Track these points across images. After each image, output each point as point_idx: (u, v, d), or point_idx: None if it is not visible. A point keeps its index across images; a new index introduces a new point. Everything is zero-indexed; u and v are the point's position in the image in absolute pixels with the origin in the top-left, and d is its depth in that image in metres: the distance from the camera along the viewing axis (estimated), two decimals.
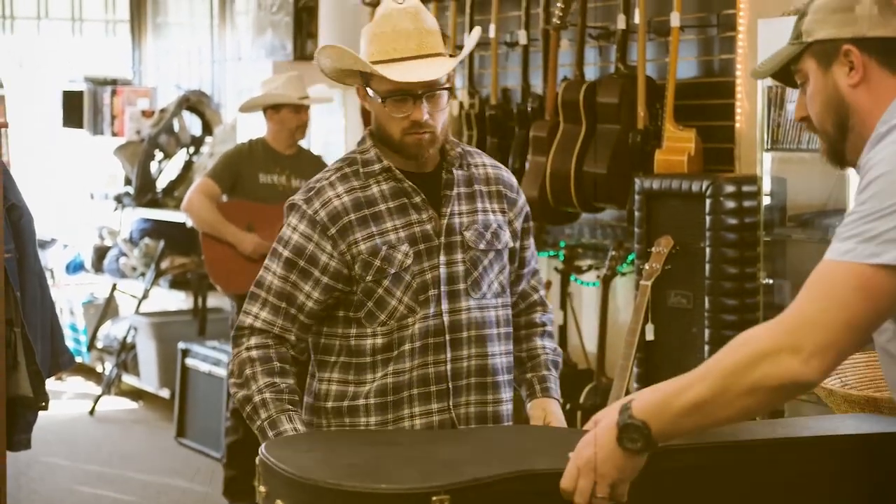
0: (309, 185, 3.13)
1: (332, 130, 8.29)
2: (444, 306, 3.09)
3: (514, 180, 3.28)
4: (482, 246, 3.13)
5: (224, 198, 6.44)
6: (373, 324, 3.08)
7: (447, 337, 3.10)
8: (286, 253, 3.08)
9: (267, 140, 6.47)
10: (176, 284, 8.82)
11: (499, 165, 3.27)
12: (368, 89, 3.05)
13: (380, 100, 3.02)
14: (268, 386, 3.04)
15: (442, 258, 3.09)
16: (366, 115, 7.37)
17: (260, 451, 2.66)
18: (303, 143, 6.72)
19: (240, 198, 6.42)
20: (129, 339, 8.97)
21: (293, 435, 2.99)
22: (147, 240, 9.16)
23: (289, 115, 6.41)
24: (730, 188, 5.01)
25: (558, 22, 5.86)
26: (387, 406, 3.09)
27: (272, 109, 6.41)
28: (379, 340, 3.08)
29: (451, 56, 3.09)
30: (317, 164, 6.55)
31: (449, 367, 3.10)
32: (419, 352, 3.08)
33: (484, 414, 3.16)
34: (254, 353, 3.07)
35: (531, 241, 3.31)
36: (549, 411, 3.22)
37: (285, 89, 6.43)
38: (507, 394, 3.21)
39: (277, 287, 3.08)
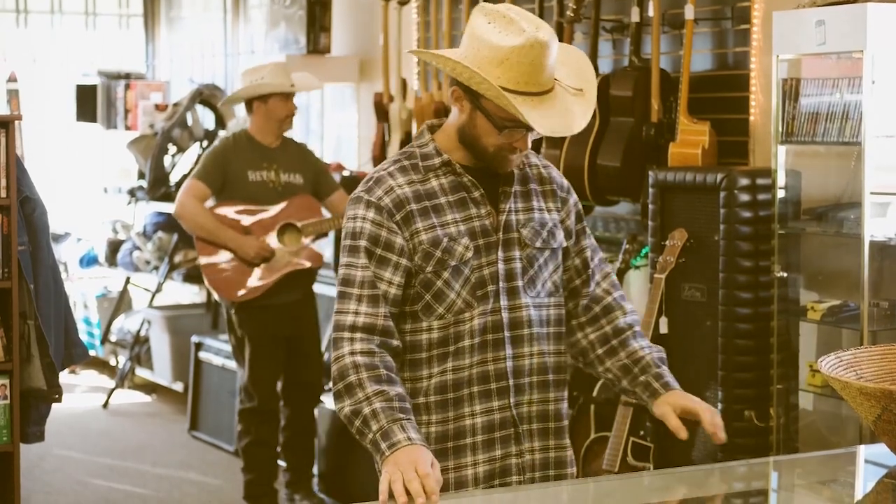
0: (368, 177, 3.12)
1: (345, 125, 8.30)
2: (504, 303, 3.08)
3: (564, 180, 3.27)
4: (538, 244, 3.13)
5: (211, 200, 6.20)
6: (429, 317, 3.06)
7: (506, 334, 3.08)
8: (363, 243, 3.04)
9: (251, 133, 6.25)
10: (189, 278, 8.81)
11: (549, 165, 3.27)
12: (478, 103, 3.01)
13: (492, 122, 3.00)
14: (377, 394, 2.93)
15: (500, 254, 3.09)
16: (380, 111, 7.36)
17: None
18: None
19: (230, 198, 6.17)
20: (142, 333, 8.98)
21: None
22: (160, 233, 9.17)
23: (278, 104, 6.19)
24: (744, 181, 4.99)
25: (572, 15, 5.84)
26: (447, 403, 3.07)
27: (259, 101, 6.19)
28: (435, 335, 3.06)
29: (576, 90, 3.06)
30: (303, 153, 6.40)
31: (510, 364, 3.09)
32: (478, 348, 3.07)
33: (546, 412, 3.16)
34: (359, 359, 2.97)
35: (589, 242, 3.27)
36: (677, 403, 3.10)
37: (273, 78, 6.21)
38: (562, 392, 3.21)
39: (369, 278, 3.02)
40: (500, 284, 3.08)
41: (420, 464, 2.81)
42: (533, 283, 3.12)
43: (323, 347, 6.78)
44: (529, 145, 3.06)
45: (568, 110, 3.01)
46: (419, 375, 3.08)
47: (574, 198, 3.26)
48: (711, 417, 3.06)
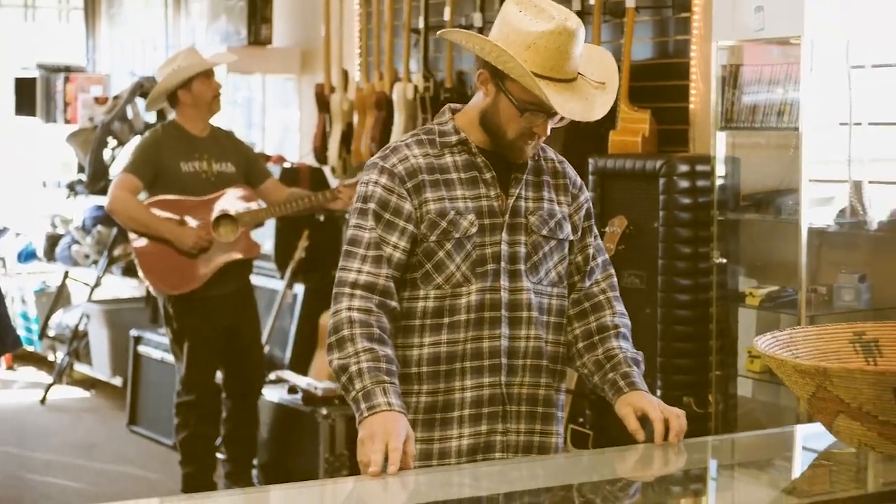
0: (385, 147, 3.20)
1: (287, 117, 8.26)
2: (505, 283, 3.12)
3: (578, 178, 3.32)
4: (545, 232, 3.17)
5: (143, 194, 6.09)
6: (427, 286, 3.11)
7: (504, 313, 3.12)
8: (372, 206, 3.11)
9: (180, 124, 6.14)
10: (128, 272, 8.73)
11: (564, 161, 3.31)
12: (503, 86, 3.07)
13: (515, 104, 3.05)
14: (366, 351, 2.99)
15: (504, 236, 3.13)
16: (321, 102, 7.32)
17: None
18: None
19: (163, 190, 6.06)
20: (81, 328, 8.89)
21: None
22: (100, 227, 9.09)
23: (201, 86, 6.07)
24: (683, 167, 5.00)
25: None
26: (439, 375, 3.12)
27: (183, 89, 6.06)
28: (431, 304, 3.12)
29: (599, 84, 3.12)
30: (232, 141, 6.33)
31: (505, 343, 3.13)
32: (474, 324, 3.11)
33: (535, 396, 3.18)
34: (355, 315, 3.03)
35: (595, 241, 3.31)
36: (637, 405, 3.11)
37: (188, 61, 6.09)
38: (557, 382, 3.23)
39: (375, 240, 3.10)
40: (502, 264, 3.12)
41: (393, 437, 2.85)
42: (535, 270, 3.17)
43: (263, 339, 6.73)
44: (549, 132, 3.10)
45: (588, 99, 3.07)
46: (410, 343, 3.13)
47: (586, 195, 3.31)
48: (664, 427, 3.07)
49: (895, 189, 4.88)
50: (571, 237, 3.24)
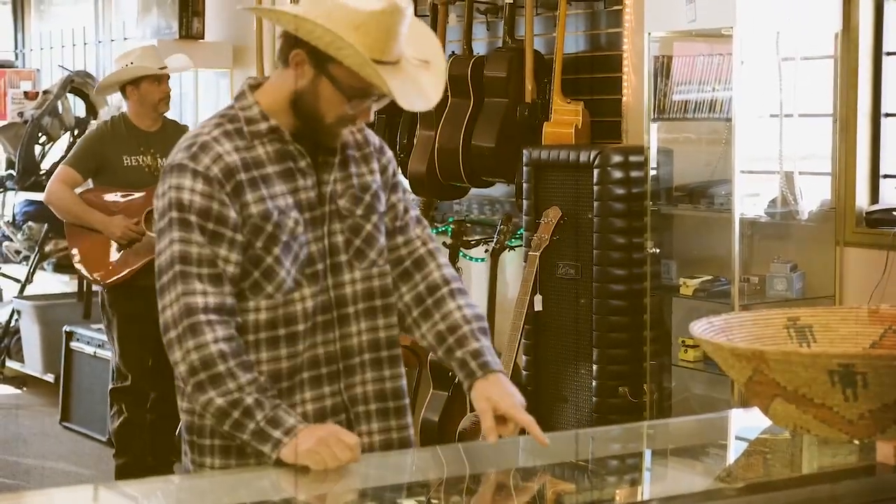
0: (189, 143, 2.85)
1: None
2: (329, 281, 2.88)
3: (376, 138, 3.06)
4: (360, 212, 2.92)
5: (90, 183, 6.13)
6: (257, 296, 2.82)
7: (334, 314, 2.88)
8: (193, 218, 2.77)
9: (129, 117, 6.16)
10: (60, 267, 8.67)
11: (362, 126, 3.01)
12: (325, 69, 2.77)
13: (342, 91, 2.77)
14: (250, 383, 2.71)
15: (326, 228, 2.88)
16: None
17: None
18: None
19: (105, 183, 6.10)
20: (12, 324, 8.81)
21: None
22: (31, 223, 9.01)
23: (150, 87, 6.09)
24: (617, 158, 5.04)
25: None
26: (281, 393, 2.82)
27: (131, 85, 6.08)
28: (263, 316, 2.83)
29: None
30: (182, 135, 6.34)
31: (338, 346, 2.90)
32: (310, 332, 2.86)
33: (383, 392, 2.96)
34: (224, 347, 2.72)
35: (403, 196, 3.06)
36: (498, 405, 2.84)
37: (142, 61, 6.10)
38: (399, 369, 3.01)
39: (208, 256, 2.77)
40: (327, 261, 2.88)
41: (342, 433, 2.68)
42: (362, 256, 2.92)
43: None
44: (372, 117, 2.88)
45: (417, 82, 2.81)
46: None
47: (388, 154, 3.06)
48: (533, 430, 2.84)
49: (825, 180, 4.94)
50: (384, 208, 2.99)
